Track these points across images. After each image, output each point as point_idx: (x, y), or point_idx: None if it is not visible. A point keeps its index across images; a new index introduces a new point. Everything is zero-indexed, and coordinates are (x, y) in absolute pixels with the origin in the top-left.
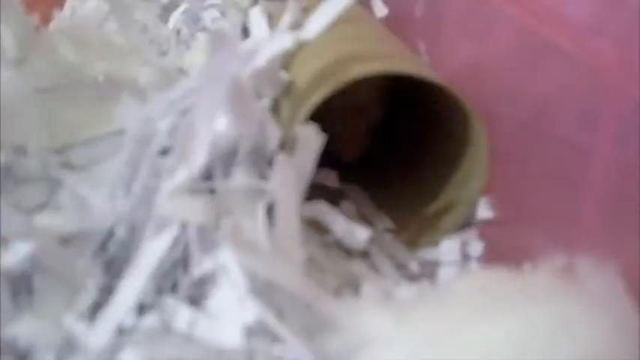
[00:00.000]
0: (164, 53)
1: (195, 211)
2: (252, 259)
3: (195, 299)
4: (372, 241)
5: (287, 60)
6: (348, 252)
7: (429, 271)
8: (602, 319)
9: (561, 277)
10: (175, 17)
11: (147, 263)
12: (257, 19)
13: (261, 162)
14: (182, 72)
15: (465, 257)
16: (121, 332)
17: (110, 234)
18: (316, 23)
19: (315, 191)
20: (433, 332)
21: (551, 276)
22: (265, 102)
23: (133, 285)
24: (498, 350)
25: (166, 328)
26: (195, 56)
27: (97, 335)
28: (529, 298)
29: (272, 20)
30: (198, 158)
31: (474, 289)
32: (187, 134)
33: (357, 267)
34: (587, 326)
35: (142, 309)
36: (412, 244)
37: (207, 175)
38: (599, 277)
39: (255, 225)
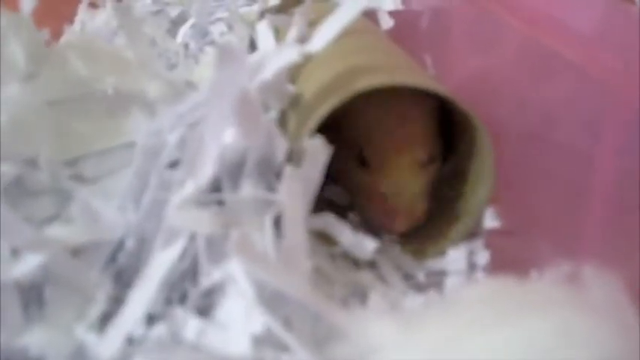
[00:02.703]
0: (173, 67)
1: (203, 222)
2: (260, 270)
3: (204, 310)
4: (379, 251)
5: (294, 72)
6: (355, 263)
7: (436, 280)
8: (604, 328)
9: (565, 286)
10: (183, 31)
11: (156, 274)
12: (264, 32)
13: (269, 174)
14: (191, 85)
15: (472, 267)
16: (131, 342)
17: (120, 245)
18: (322, 36)
19: (322, 203)
20: (439, 341)
21: (554, 285)
22: (272, 114)
23: (143, 295)
24: (501, 359)
25: (175, 338)
26: (204, 70)
27: (107, 345)
28: (532, 307)
29: (279, 34)
30: (207, 170)
31: (479, 298)
32: (196, 147)
33: (365, 277)
34: (589, 335)
35: (151, 319)
36: (419, 254)
37: (216, 187)
38: (603, 286)
39: (263, 236)
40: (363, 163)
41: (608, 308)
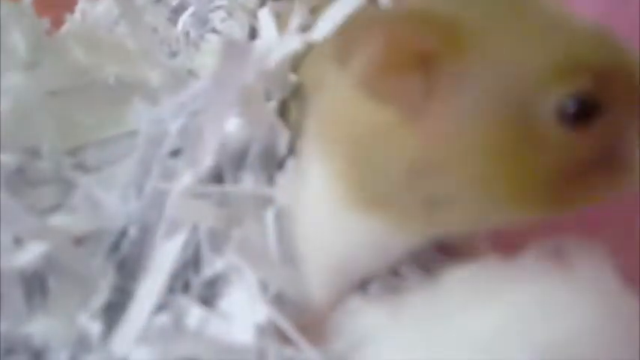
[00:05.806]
0: (174, 54)
1: (205, 213)
2: (261, 265)
3: (207, 299)
4: None
5: (296, 60)
6: None
7: None
8: (589, 299)
9: (549, 260)
10: (183, 20)
11: (162, 267)
12: (266, 20)
13: (271, 165)
14: (192, 73)
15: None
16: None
17: (123, 234)
18: (325, 24)
19: None
20: (426, 325)
21: (538, 259)
22: (273, 104)
23: (151, 290)
24: (487, 337)
25: (178, 327)
26: (205, 58)
27: (119, 340)
28: (515, 282)
29: (280, 19)
30: (206, 160)
31: (463, 279)
32: (198, 135)
33: None
34: (567, 307)
35: (154, 308)
36: None
37: (218, 176)
38: (588, 259)
39: (264, 228)
40: None
41: (590, 280)
